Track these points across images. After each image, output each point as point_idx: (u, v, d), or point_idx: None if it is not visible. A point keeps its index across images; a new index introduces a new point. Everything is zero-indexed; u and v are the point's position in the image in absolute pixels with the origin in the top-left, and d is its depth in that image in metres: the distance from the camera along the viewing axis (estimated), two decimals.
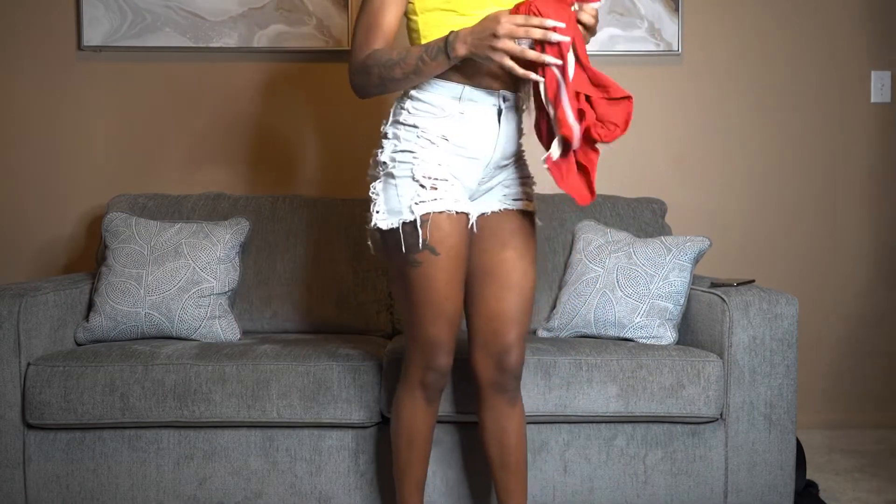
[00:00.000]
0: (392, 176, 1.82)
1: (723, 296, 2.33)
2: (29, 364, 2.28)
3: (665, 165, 3.21)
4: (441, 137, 1.82)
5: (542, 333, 2.61)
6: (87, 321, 2.53)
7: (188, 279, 2.51)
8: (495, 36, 1.63)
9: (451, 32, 1.71)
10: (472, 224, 1.89)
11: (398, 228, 1.81)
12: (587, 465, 2.29)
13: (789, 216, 3.25)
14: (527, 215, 1.96)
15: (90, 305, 2.58)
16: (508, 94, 1.85)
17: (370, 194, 1.86)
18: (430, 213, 1.79)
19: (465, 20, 1.78)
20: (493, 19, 1.65)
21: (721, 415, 2.30)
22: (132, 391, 2.23)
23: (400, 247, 1.81)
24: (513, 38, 1.64)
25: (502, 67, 1.67)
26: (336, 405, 2.26)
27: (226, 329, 2.52)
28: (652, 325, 2.45)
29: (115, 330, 2.50)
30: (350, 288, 2.75)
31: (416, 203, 1.79)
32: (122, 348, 2.36)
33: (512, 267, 1.92)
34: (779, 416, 2.29)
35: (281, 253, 2.76)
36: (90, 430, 2.28)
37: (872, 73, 3.23)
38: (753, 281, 2.50)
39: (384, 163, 1.84)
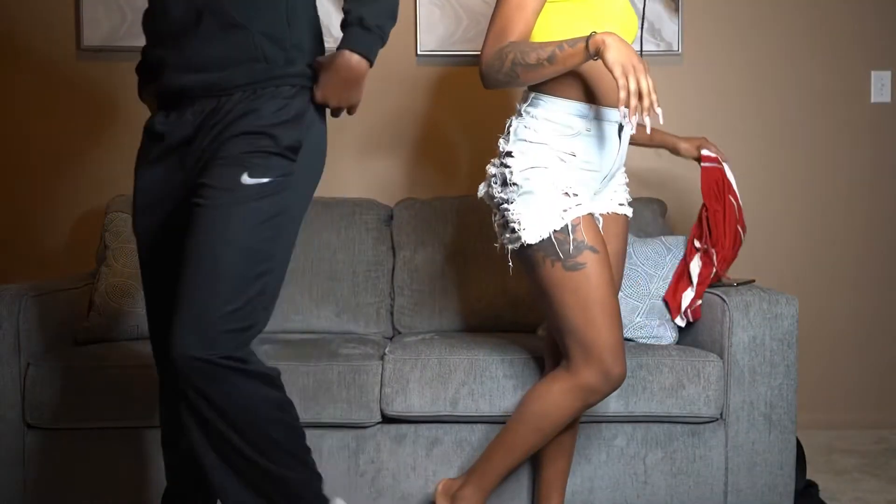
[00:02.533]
0: (531, 192, 1.86)
1: (723, 296, 2.33)
2: (29, 364, 2.28)
3: (665, 165, 3.21)
4: (569, 154, 1.88)
5: (542, 333, 2.61)
6: (87, 321, 2.53)
7: None
8: (639, 58, 1.71)
9: (594, 32, 1.75)
10: (601, 227, 1.97)
11: (549, 237, 1.85)
12: (587, 465, 2.29)
13: (789, 216, 3.25)
14: (627, 218, 2.07)
15: (90, 305, 2.58)
16: (626, 110, 1.90)
17: (508, 216, 1.89)
18: (579, 217, 1.86)
19: (589, 10, 1.85)
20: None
21: (721, 415, 2.30)
22: (132, 391, 2.23)
23: (554, 256, 1.85)
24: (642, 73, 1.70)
25: (613, 73, 1.69)
26: (336, 405, 2.26)
27: None
28: (652, 325, 2.45)
29: (115, 330, 2.50)
30: (350, 288, 2.75)
31: (565, 210, 1.85)
32: (122, 348, 2.36)
33: (612, 267, 1.99)
34: (779, 416, 2.29)
35: None
36: (90, 430, 2.28)
37: (872, 73, 3.23)
38: (753, 281, 2.50)
39: (516, 184, 1.88)
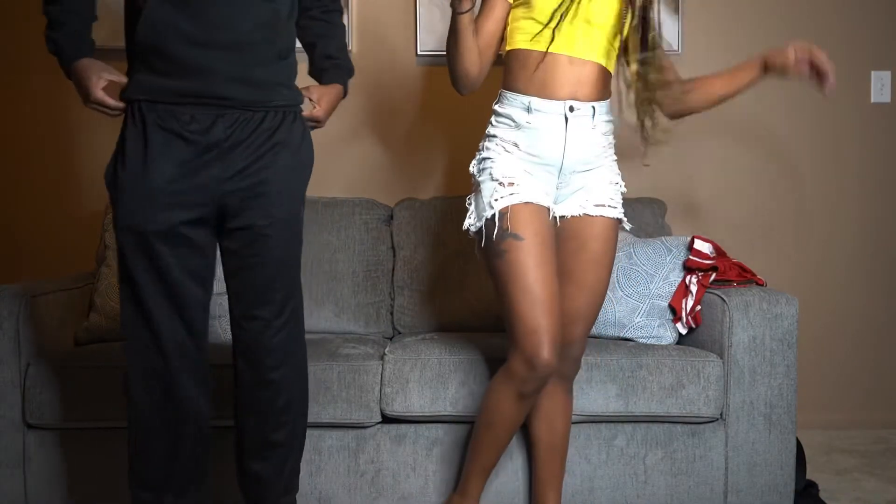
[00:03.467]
0: (478, 183, 1.98)
1: (723, 296, 2.33)
2: (29, 364, 2.28)
3: (665, 165, 3.21)
4: (513, 144, 1.96)
5: None
6: (87, 321, 2.52)
7: None
8: None
9: None
10: (554, 216, 1.99)
11: (481, 226, 1.94)
12: (587, 465, 2.29)
13: (789, 216, 3.25)
14: (609, 220, 2.03)
15: (90, 305, 2.58)
16: (577, 103, 1.95)
17: (466, 206, 2.02)
18: (508, 206, 1.91)
19: (540, 26, 1.93)
20: None
21: (721, 415, 2.30)
22: None
23: (485, 244, 1.93)
24: None
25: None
26: (336, 405, 2.26)
27: (226, 329, 2.52)
28: (652, 325, 2.45)
29: (115, 330, 2.50)
30: (350, 288, 2.75)
31: (496, 199, 1.92)
32: (123, 349, 2.35)
33: (587, 269, 2.01)
34: (779, 416, 2.29)
35: None
36: (90, 430, 2.28)
37: (872, 73, 3.23)
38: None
39: (473, 174, 2.01)
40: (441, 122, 3.14)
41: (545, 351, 1.87)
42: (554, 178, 1.98)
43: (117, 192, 1.83)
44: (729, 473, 2.30)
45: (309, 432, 2.29)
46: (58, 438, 2.28)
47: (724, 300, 2.31)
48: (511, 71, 1.99)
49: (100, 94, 1.84)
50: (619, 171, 2.07)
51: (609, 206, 2.02)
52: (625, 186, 2.08)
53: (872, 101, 3.24)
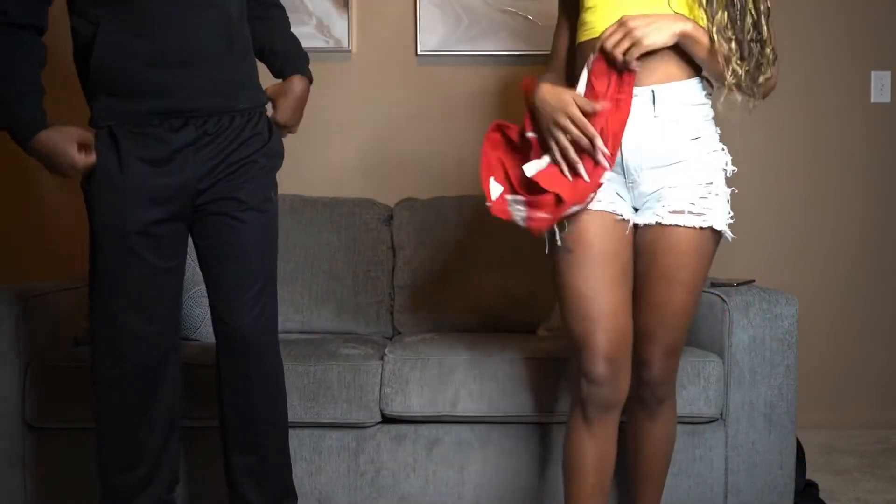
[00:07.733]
0: None
1: (723, 296, 2.33)
2: (29, 364, 2.28)
3: None
4: None
5: (542, 333, 2.61)
6: (87, 321, 2.52)
7: (188, 279, 2.51)
8: (555, 120, 1.65)
9: (544, 78, 1.76)
10: (624, 220, 1.73)
11: (546, 232, 1.76)
12: None
13: (789, 216, 3.25)
14: (691, 231, 1.72)
15: None
16: (640, 89, 1.69)
17: None
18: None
19: (590, 12, 1.74)
20: (566, 102, 1.65)
21: (721, 415, 2.30)
22: None
23: (547, 249, 1.78)
24: (569, 120, 1.64)
25: (556, 142, 1.66)
26: (336, 405, 2.26)
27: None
28: None
29: None
30: (350, 288, 2.75)
31: None
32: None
33: (654, 287, 1.75)
34: (779, 416, 2.29)
35: (281, 253, 2.74)
36: (90, 430, 2.27)
37: (872, 73, 3.23)
38: (753, 281, 2.50)
39: None
40: (441, 122, 3.14)
41: (597, 365, 1.68)
42: (621, 178, 1.72)
43: (93, 193, 1.83)
44: (729, 473, 2.30)
45: (309, 432, 2.30)
46: (58, 438, 2.28)
47: (724, 300, 2.31)
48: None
49: (81, 161, 1.79)
50: (722, 167, 1.79)
51: (690, 212, 1.70)
52: (727, 185, 1.79)
53: (872, 101, 3.24)
